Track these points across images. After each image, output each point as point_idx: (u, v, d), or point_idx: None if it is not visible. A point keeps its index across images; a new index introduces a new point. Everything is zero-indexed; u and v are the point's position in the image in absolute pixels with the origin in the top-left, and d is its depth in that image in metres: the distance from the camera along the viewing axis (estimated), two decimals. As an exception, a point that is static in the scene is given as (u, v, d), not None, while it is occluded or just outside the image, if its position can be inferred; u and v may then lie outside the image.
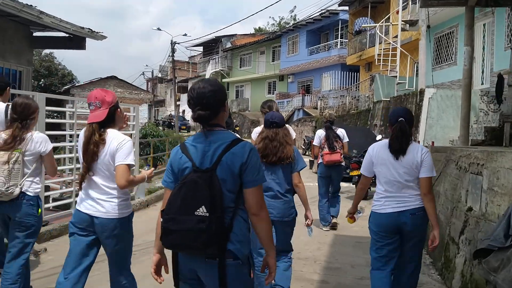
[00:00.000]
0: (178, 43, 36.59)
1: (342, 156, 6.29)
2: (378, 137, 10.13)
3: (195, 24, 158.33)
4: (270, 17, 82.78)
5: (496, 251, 2.50)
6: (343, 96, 21.28)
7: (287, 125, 3.56)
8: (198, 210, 1.80)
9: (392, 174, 3.06)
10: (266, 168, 3.29)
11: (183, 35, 42.32)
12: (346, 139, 6.46)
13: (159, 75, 48.60)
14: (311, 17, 25.61)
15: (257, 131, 4.69)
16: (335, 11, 24.56)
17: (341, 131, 6.47)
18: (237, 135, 2.33)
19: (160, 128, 26.12)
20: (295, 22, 34.06)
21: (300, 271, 4.41)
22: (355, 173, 8.90)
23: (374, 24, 17.03)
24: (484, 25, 10.55)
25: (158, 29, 31.98)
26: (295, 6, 48.79)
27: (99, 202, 2.72)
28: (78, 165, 6.29)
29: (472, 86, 7.27)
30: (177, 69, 34.33)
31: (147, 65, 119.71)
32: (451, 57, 12.30)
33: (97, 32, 7.42)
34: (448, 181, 4.80)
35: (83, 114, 6.43)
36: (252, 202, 1.95)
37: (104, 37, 7.75)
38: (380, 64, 14.42)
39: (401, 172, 3.04)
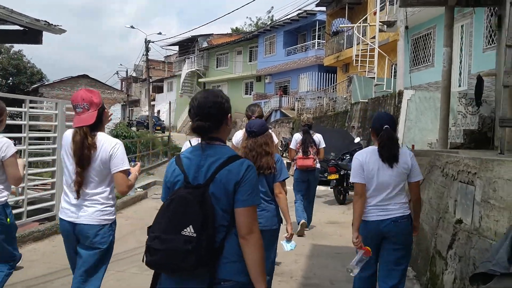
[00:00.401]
0: (153, 42, 35.78)
1: (315, 161, 6.25)
2: (357, 139, 9.87)
3: (173, 24, 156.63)
4: (247, 17, 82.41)
5: (499, 277, 2.19)
6: (320, 97, 21.17)
7: (270, 131, 3.51)
8: (185, 230, 1.68)
9: (385, 180, 3.00)
10: None
11: (158, 33, 41.28)
12: (322, 145, 6.43)
13: (134, 75, 47.49)
14: (288, 17, 25.35)
15: (238, 135, 4.68)
16: (312, 11, 24.35)
17: (317, 137, 6.41)
18: None
19: (134, 128, 25.35)
20: (272, 21, 33.78)
21: (275, 289, 4.01)
22: (332, 177, 8.67)
23: (352, 25, 16.87)
24: (462, 26, 10.45)
25: (131, 27, 30.82)
26: (272, 7, 48.75)
27: (82, 207, 2.61)
28: (31, 170, 5.76)
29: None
30: (151, 68, 33.54)
31: (121, 64, 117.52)
32: (428, 59, 12.20)
33: (54, 25, 6.82)
34: (432, 188, 4.50)
35: (36, 114, 6.01)
36: (241, 224, 1.77)
37: (63, 31, 7.16)
38: (357, 65, 14.25)
39: (394, 177, 3.00)
